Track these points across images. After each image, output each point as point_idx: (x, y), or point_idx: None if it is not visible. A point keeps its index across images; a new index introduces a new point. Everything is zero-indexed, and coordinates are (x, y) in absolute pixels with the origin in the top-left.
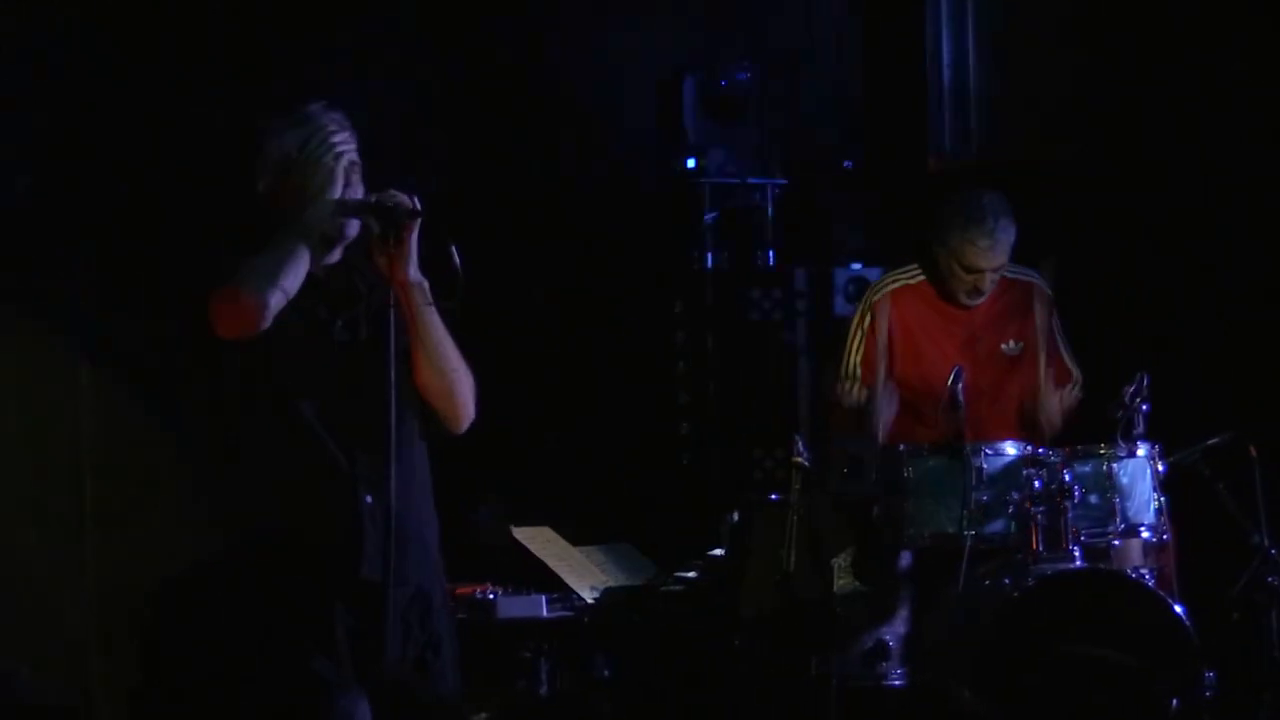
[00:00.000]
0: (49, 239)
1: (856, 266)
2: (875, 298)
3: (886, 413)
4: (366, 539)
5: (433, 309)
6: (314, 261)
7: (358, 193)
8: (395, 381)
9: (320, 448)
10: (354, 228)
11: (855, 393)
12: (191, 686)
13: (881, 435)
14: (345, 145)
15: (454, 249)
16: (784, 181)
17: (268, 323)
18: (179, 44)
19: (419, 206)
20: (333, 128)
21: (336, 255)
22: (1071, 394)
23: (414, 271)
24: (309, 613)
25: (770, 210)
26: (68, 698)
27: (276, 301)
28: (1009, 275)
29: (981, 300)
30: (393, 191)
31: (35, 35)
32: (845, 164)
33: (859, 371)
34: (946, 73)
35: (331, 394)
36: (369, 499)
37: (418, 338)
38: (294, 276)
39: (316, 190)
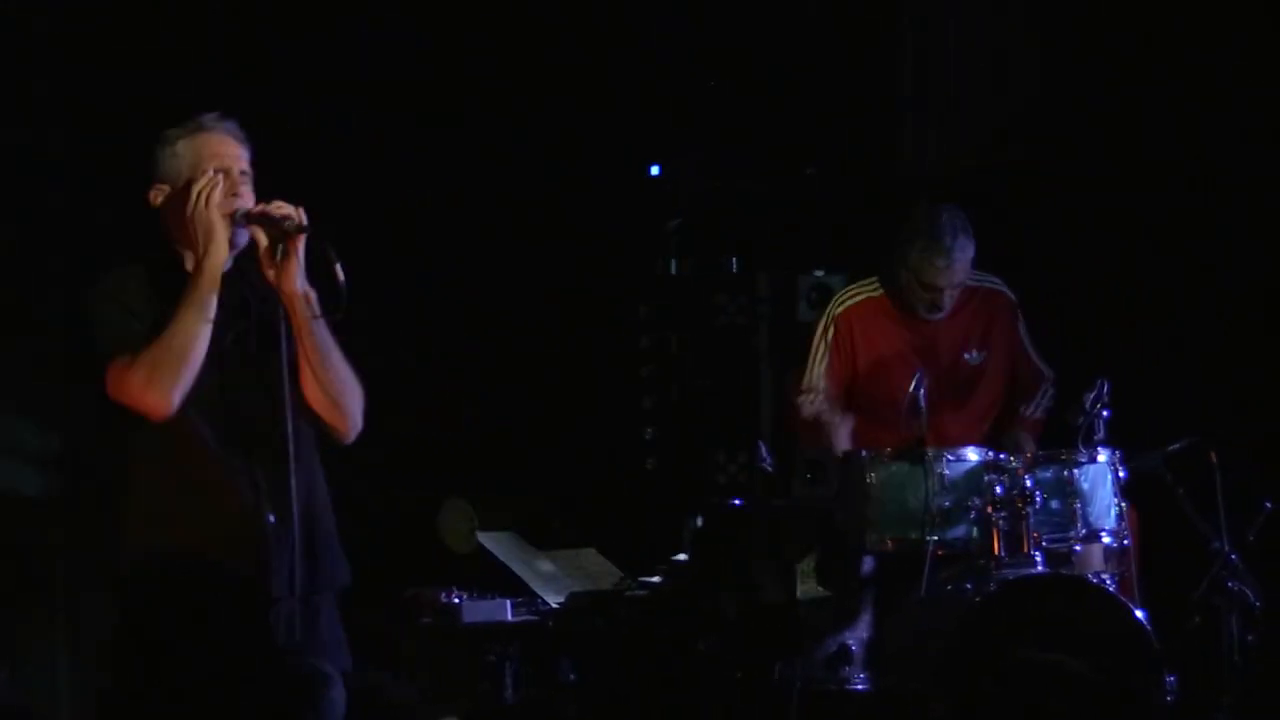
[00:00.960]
0: None
1: (819, 272)
2: (837, 310)
3: (847, 423)
4: (273, 556)
5: (320, 321)
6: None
7: (248, 202)
8: (290, 393)
9: (216, 464)
10: (243, 237)
11: (818, 403)
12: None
13: (846, 443)
14: (232, 157)
15: (337, 261)
16: (748, 187)
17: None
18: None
19: (305, 219)
20: (224, 139)
21: (227, 264)
22: (1044, 400)
23: (301, 283)
24: (224, 631)
25: (735, 216)
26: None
27: (182, 393)
28: (971, 283)
29: (942, 315)
30: (279, 203)
31: None
32: (809, 170)
33: (822, 383)
34: (910, 79)
35: (223, 408)
36: (271, 517)
37: (304, 349)
38: (198, 358)
39: (205, 201)
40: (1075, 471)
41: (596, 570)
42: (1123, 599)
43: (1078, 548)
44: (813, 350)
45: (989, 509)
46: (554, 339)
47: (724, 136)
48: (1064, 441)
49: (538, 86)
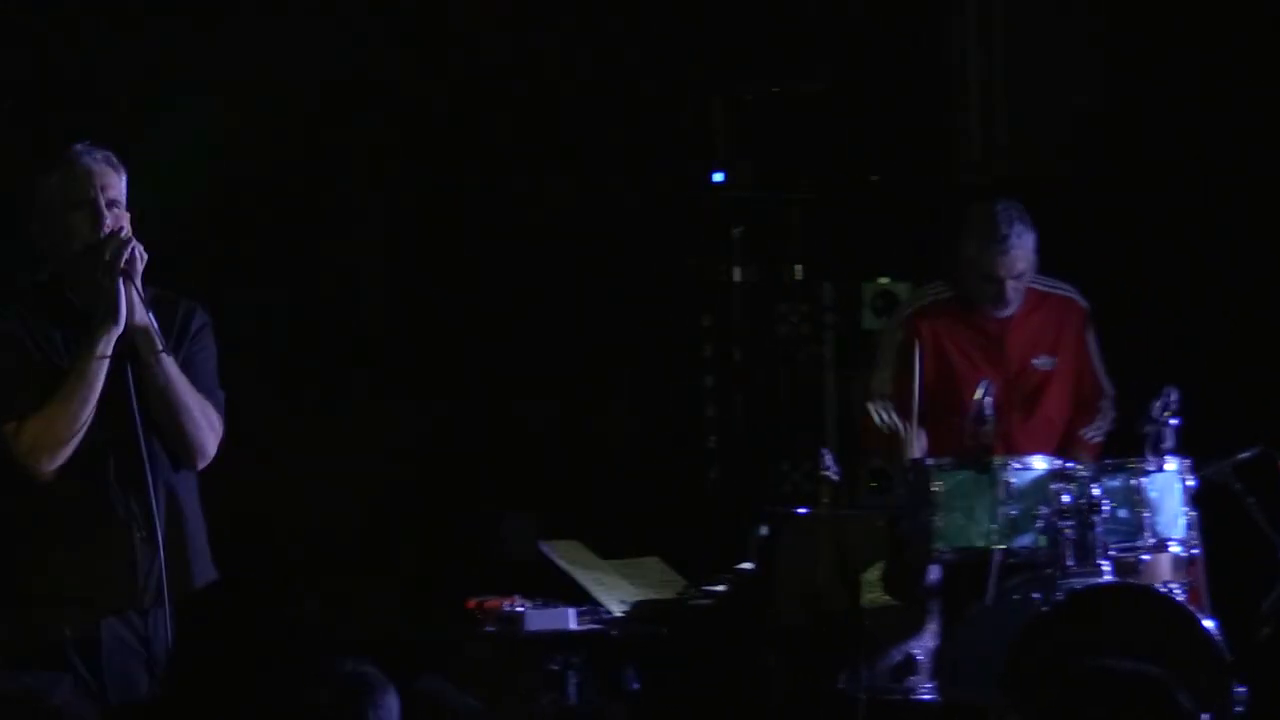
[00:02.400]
0: None
1: (884, 280)
2: (906, 314)
3: (916, 430)
4: (140, 571)
5: (163, 355)
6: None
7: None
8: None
9: (83, 486)
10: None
11: (886, 411)
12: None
13: (915, 451)
14: (98, 188)
15: (137, 297)
16: (811, 195)
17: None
18: None
19: (141, 251)
20: (92, 168)
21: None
22: (1104, 422)
23: (139, 315)
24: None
25: (798, 224)
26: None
27: (66, 456)
28: (1041, 289)
29: (1008, 311)
30: (117, 234)
31: None
32: (873, 177)
33: (889, 389)
34: (974, 84)
35: (91, 431)
36: (138, 535)
37: (147, 380)
38: (84, 425)
39: (76, 234)
40: (1144, 480)
41: (660, 579)
42: (1191, 609)
43: (1146, 557)
44: (881, 356)
45: (1056, 518)
46: (617, 348)
47: (787, 143)
48: (1132, 450)
49: (600, 91)
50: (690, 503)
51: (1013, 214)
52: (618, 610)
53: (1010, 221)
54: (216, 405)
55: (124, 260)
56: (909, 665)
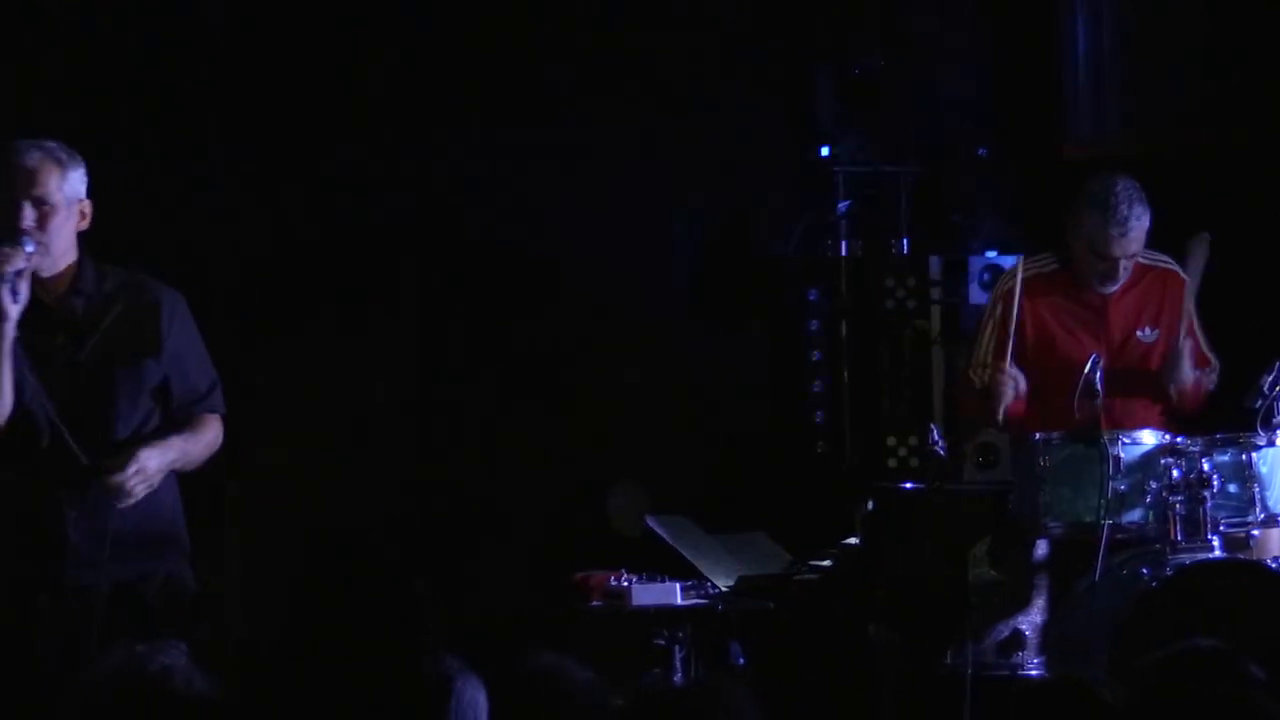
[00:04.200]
0: None
1: (991, 254)
2: (1007, 286)
3: (1013, 400)
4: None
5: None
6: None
7: (53, 224)
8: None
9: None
10: (21, 294)
11: (987, 381)
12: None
13: (1004, 420)
14: (22, 185)
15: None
16: (918, 169)
17: None
18: None
19: (26, 256)
20: (26, 165)
21: (15, 318)
22: (1209, 377)
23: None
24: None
25: (904, 198)
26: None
27: None
28: (1145, 261)
29: (1116, 287)
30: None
31: None
32: (980, 151)
33: (990, 359)
34: (1082, 57)
35: (49, 416)
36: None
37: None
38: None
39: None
40: (1254, 455)
41: (766, 554)
42: None
43: (1256, 532)
44: (983, 325)
45: (1165, 493)
46: (724, 323)
47: (894, 117)
48: (1242, 425)
49: (707, 66)
50: (797, 478)
51: (1133, 194)
52: (724, 585)
53: (1131, 202)
54: (211, 392)
55: (4, 263)
56: (1016, 641)
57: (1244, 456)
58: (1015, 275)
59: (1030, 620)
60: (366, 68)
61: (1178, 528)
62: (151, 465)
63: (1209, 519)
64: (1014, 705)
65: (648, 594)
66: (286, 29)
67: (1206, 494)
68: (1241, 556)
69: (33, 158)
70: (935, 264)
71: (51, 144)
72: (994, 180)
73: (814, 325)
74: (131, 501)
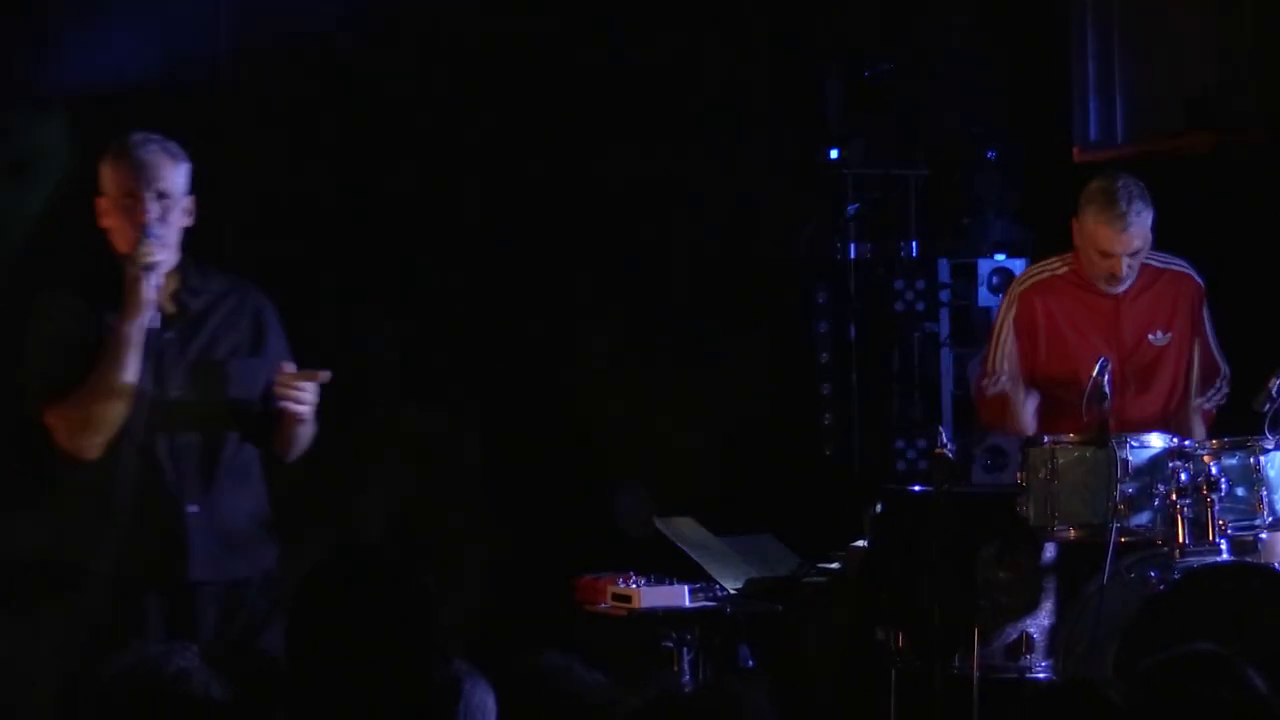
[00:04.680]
0: None
1: (1000, 257)
2: (1020, 290)
3: (1031, 405)
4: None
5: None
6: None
7: (172, 218)
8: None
9: (140, 457)
10: (165, 254)
11: (1003, 384)
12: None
13: (1028, 427)
14: (145, 182)
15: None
16: (927, 172)
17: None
18: None
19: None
20: (144, 159)
21: (153, 311)
22: (1217, 395)
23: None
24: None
25: (914, 201)
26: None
27: (106, 438)
28: (1157, 264)
29: (1122, 287)
30: (144, 228)
31: None
32: (989, 153)
33: (1004, 364)
34: (1091, 61)
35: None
36: (193, 508)
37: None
38: (122, 410)
39: (127, 222)
40: (1261, 458)
41: (774, 556)
42: None
43: (1263, 535)
44: (996, 330)
45: (1173, 496)
46: (732, 325)
47: (902, 120)
48: (1250, 428)
49: (717, 69)
50: (805, 480)
51: (1133, 191)
52: (732, 587)
53: (1130, 199)
54: None
55: (144, 255)
56: (1024, 644)
57: (1252, 460)
58: (1027, 280)
59: (1038, 623)
60: (366, 68)
61: (1185, 531)
62: (312, 399)
63: (1216, 522)
64: (1024, 709)
65: (655, 596)
66: (286, 29)
67: (1214, 497)
68: (1249, 560)
69: (151, 151)
70: (944, 266)
71: (162, 138)
72: (1003, 183)
73: (823, 327)
74: (297, 410)
